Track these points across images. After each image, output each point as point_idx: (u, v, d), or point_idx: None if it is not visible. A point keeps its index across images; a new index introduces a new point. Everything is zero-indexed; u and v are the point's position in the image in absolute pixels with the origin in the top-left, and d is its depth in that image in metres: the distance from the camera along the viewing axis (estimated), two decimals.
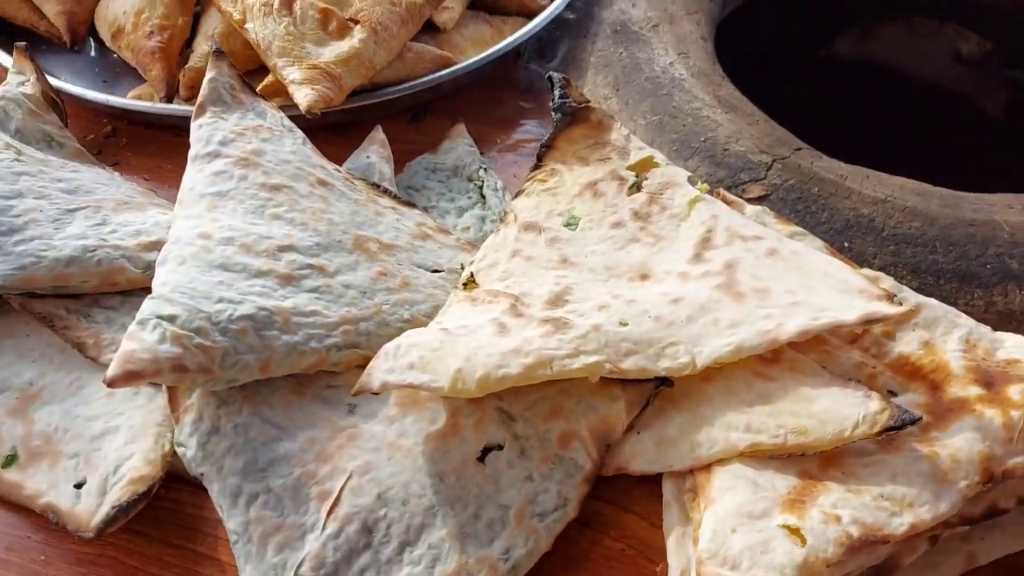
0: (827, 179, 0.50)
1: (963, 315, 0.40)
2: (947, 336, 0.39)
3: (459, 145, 0.54)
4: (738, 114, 0.55)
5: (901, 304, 0.37)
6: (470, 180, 0.52)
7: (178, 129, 0.48)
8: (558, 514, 0.35)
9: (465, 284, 0.41)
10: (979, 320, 0.43)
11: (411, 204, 0.48)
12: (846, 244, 0.47)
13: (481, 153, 0.55)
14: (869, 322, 0.36)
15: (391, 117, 0.56)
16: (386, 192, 0.47)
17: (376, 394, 0.36)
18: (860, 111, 0.85)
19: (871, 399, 0.34)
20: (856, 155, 0.53)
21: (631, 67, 0.58)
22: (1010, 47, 0.80)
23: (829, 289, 0.38)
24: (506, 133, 0.58)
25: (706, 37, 0.62)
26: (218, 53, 0.46)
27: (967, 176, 0.56)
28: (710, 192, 0.45)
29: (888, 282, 0.41)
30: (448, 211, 0.51)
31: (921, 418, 0.33)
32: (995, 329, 0.43)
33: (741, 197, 0.49)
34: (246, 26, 0.51)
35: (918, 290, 0.45)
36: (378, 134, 0.52)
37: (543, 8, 0.61)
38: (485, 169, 0.53)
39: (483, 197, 0.52)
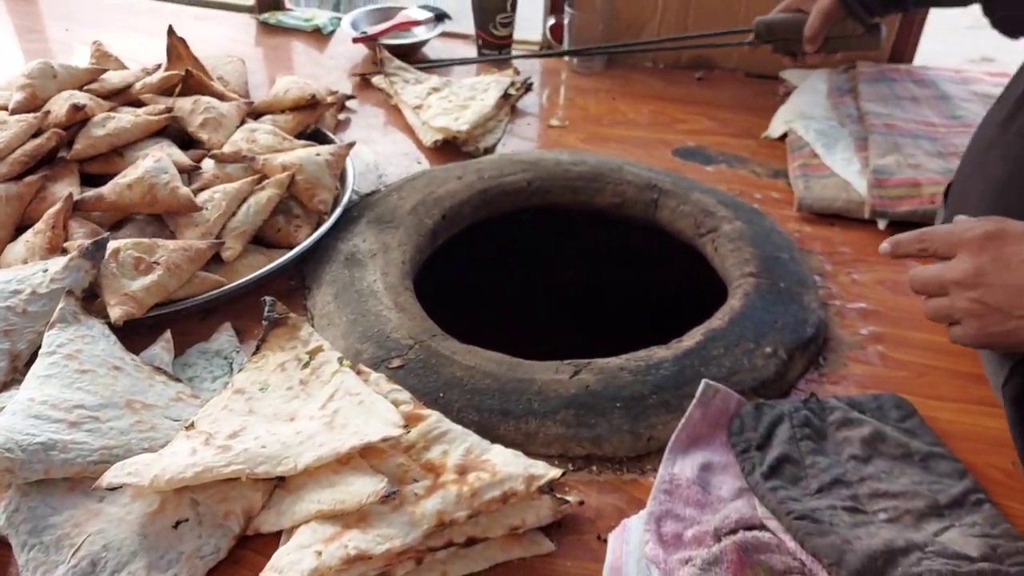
0: (443, 355, 0.81)
1: (474, 435, 0.69)
2: (458, 448, 0.68)
3: (223, 336, 0.85)
4: (406, 314, 0.86)
5: (408, 430, 0.66)
6: (225, 359, 0.83)
7: None
8: (212, 557, 0.62)
9: (187, 427, 0.70)
10: (512, 438, 0.73)
11: (177, 379, 0.77)
12: (442, 395, 0.77)
13: (241, 341, 0.86)
14: (384, 440, 0.65)
15: (186, 317, 0.87)
16: (162, 372, 0.77)
17: (111, 489, 0.63)
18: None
19: (381, 483, 0.62)
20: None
21: (348, 283, 0.91)
22: None
23: (378, 422, 0.67)
24: (261, 327, 0.88)
25: (406, 262, 0.94)
26: (69, 292, 0.77)
27: None
28: (352, 367, 0.76)
29: (433, 417, 0.70)
30: (205, 379, 0.80)
31: (392, 493, 0.61)
32: (520, 443, 0.73)
33: (388, 367, 0.80)
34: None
35: (478, 422, 0.75)
36: (165, 335, 0.82)
37: (301, 243, 0.94)
38: (237, 352, 0.83)
39: (231, 370, 0.82)
